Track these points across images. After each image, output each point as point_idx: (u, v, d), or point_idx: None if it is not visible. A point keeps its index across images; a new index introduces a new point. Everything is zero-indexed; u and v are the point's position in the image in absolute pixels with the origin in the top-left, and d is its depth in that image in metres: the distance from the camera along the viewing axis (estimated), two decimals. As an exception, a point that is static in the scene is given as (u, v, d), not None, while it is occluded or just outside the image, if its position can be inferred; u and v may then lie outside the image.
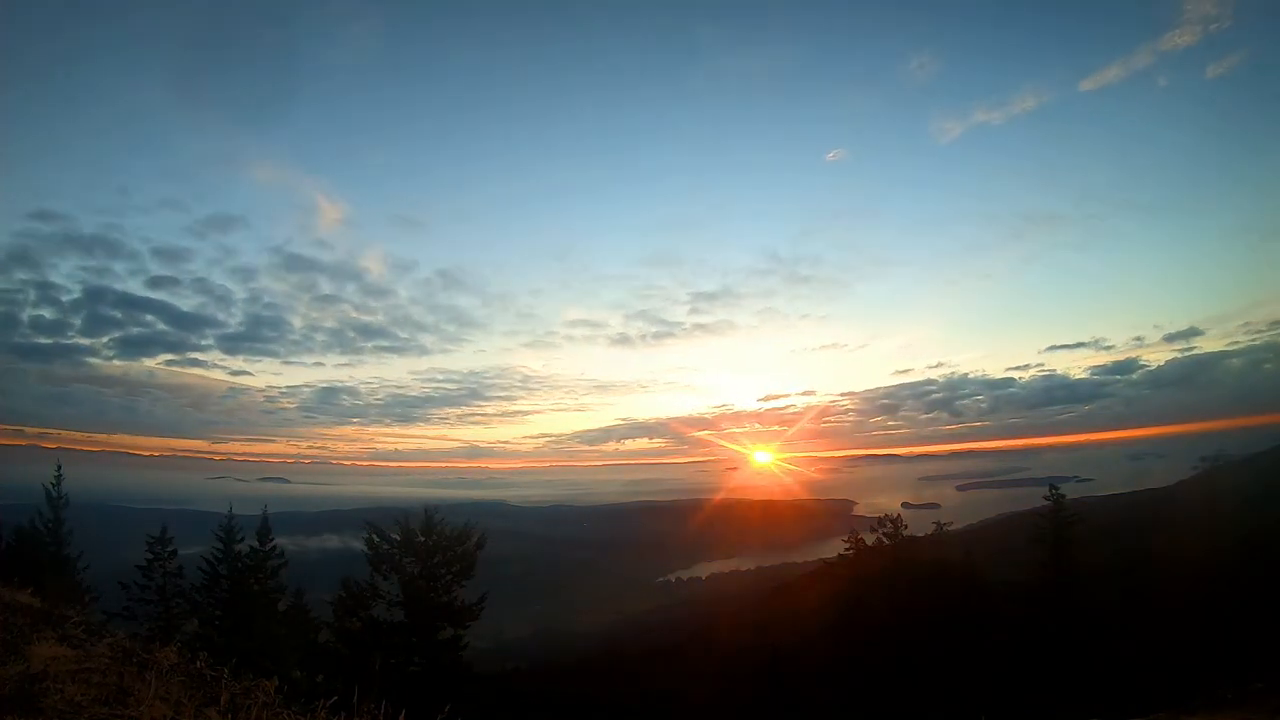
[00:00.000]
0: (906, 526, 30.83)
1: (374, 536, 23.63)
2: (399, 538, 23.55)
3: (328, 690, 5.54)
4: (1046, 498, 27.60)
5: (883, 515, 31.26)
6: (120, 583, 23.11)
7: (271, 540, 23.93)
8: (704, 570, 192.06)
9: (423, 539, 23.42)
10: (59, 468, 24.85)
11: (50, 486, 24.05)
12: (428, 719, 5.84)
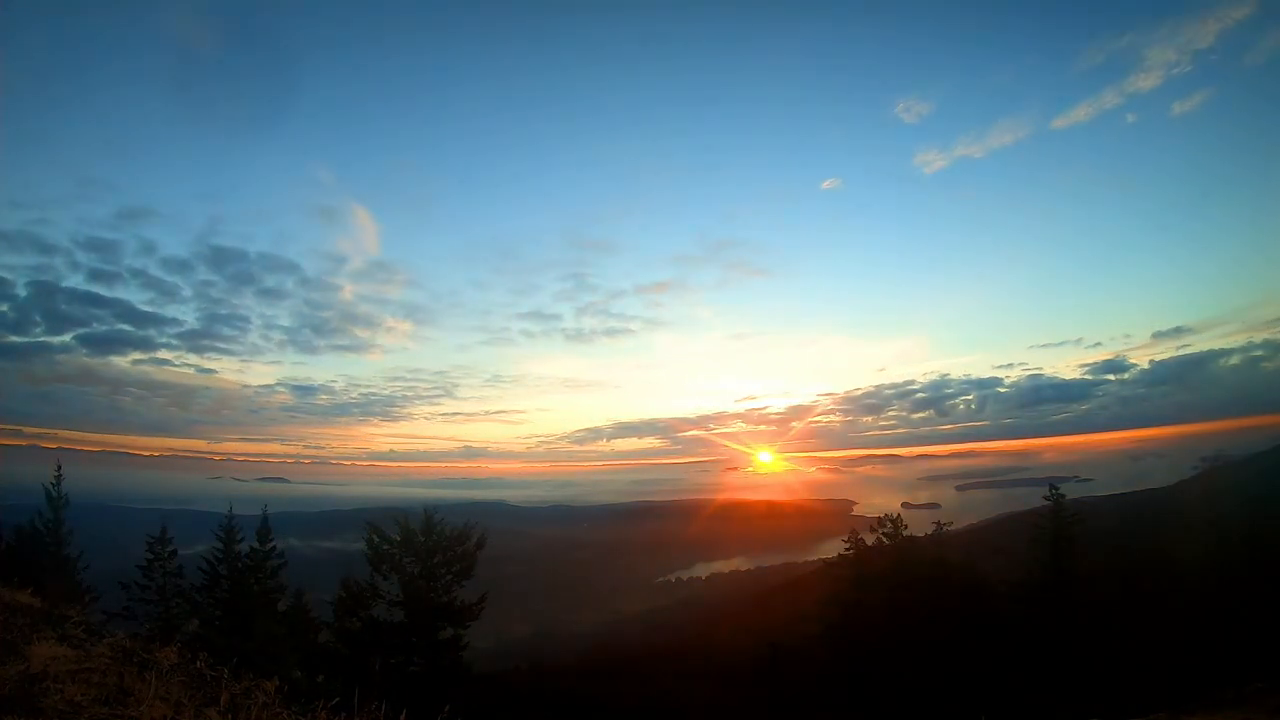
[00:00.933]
0: (906, 526, 30.75)
1: (374, 536, 23.61)
2: (399, 538, 23.53)
3: (328, 690, 5.55)
4: (1046, 498, 27.54)
5: (883, 515, 31.17)
6: (120, 583, 23.07)
7: (271, 540, 23.90)
8: (704, 570, 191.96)
9: (423, 539, 23.41)
10: (59, 468, 24.83)
11: (50, 486, 24.04)
12: (428, 719, 5.84)
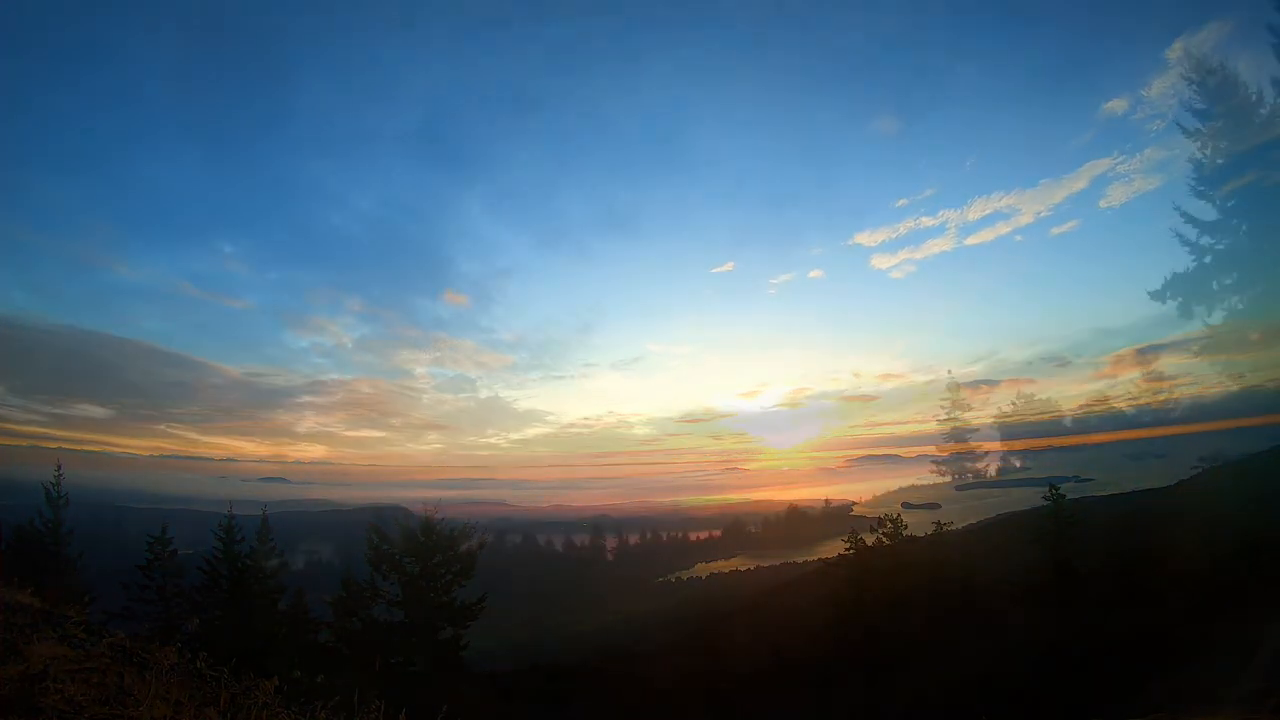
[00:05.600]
0: (906, 526, 30.78)
1: (374, 536, 23.64)
2: (399, 538, 23.56)
3: (328, 690, 5.54)
4: (1046, 498, 27.58)
5: (882, 515, 31.21)
6: (120, 583, 23.10)
7: (271, 540, 23.93)
8: (704, 570, 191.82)
9: (423, 539, 23.44)
10: (59, 468, 24.88)
11: (50, 486, 24.08)
12: (428, 719, 5.85)
